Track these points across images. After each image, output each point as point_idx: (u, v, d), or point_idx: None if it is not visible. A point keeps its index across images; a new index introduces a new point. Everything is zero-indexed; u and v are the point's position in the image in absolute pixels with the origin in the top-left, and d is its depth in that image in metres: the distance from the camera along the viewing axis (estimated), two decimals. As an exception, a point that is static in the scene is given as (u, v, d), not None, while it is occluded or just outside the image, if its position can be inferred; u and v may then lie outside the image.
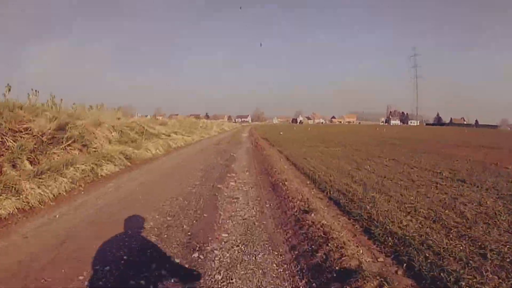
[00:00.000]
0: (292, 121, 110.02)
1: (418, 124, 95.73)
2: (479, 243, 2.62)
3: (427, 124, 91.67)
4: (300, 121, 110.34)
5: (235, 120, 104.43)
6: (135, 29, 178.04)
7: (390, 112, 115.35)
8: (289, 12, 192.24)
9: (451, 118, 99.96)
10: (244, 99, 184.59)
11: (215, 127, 28.64)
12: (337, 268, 2.28)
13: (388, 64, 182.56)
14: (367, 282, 2.00)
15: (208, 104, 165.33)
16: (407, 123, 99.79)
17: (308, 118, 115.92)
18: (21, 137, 5.12)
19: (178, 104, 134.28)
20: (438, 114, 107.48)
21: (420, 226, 3.04)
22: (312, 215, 3.34)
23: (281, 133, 24.28)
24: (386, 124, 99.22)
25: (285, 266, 2.54)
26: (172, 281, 2.26)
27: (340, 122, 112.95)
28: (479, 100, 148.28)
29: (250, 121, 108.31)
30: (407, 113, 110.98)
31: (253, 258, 2.66)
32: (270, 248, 2.87)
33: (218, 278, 2.33)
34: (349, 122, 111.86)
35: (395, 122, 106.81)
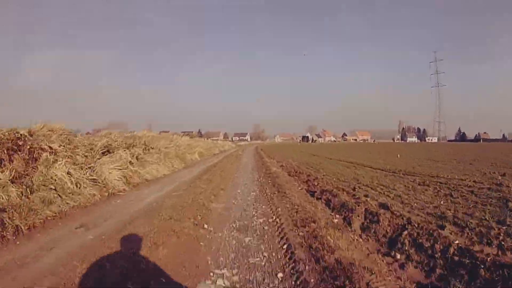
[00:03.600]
0: (302, 139, 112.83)
1: (437, 141, 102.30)
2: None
3: (449, 141, 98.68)
4: (313, 139, 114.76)
5: (232, 138, 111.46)
6: (127, 40, 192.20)
7: (404, 128, 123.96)
8: (288, 22, 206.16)
9: (478, 133, 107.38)
10: (242, 116, 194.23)
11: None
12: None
13: (399, 77, 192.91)
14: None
15: (203, 121, 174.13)
16: (425, 140, 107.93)
17: (318, 136, 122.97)
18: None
19: (171, 120, 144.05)
20: (460, 129, 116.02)
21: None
22: None
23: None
24: (403, 141, 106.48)
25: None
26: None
27: (355, 140, 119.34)
28: (494, 113, 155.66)
29: (249, 140, 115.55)
30: (423, 129, 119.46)
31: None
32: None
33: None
34: (364, 140, 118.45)
35: (412, 139, 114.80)
